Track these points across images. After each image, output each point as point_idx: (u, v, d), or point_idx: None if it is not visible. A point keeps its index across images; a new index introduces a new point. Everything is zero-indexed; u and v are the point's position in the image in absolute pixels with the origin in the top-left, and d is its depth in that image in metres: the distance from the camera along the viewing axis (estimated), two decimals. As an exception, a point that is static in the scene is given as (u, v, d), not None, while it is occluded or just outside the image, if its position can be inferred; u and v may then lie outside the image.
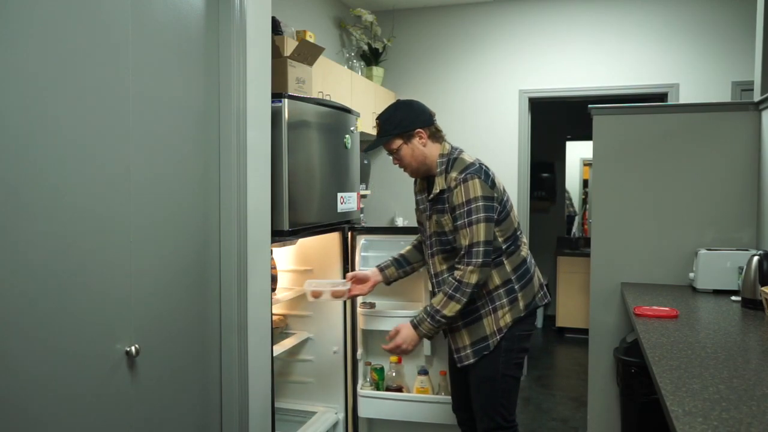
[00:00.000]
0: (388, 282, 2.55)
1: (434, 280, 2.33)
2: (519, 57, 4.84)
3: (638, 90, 4.58)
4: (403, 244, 2.73)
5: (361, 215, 3.71)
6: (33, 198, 1.45)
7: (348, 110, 2.98)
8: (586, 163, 6.94)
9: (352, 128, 2.99)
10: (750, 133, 2.88)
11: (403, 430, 3.02)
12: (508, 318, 2.20)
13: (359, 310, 2.95)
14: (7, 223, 1.38)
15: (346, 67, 4.32)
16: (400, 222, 4.97)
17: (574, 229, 7.00)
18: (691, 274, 2.80)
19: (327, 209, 2.78)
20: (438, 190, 2.22)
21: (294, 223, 2.50)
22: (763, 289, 2.24)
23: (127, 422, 1.74)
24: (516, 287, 2.23)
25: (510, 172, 4.75)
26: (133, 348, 1.73)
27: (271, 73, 2.39)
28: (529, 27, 4.81)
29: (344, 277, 2.89)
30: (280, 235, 2.46)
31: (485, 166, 2.21)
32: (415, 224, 2.55)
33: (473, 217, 2.11)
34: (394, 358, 2.98)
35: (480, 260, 2.10)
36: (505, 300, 2.21)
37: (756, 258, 2.38)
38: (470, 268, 2.10)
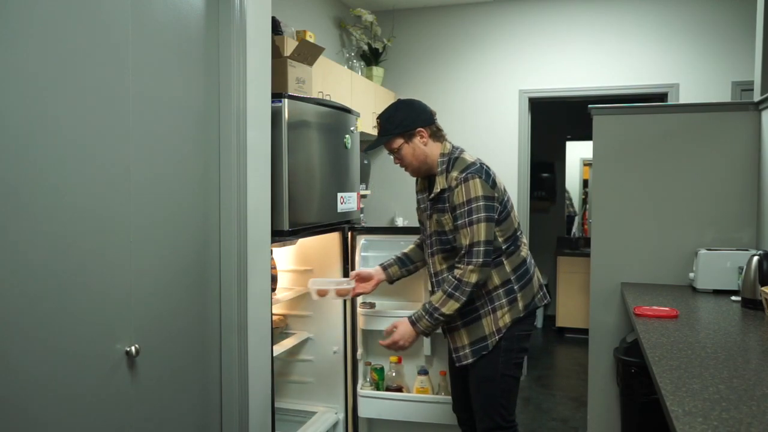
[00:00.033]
0: (391, 281, 2.54)
1: (433, 280, 2.33)
2: (519, 57, 4.84)
3: (638, 90, 4.58)
4: (403, 244, 2.73)
5: (361, 215, 3.71)
6: (33, 198, 1.45)
7: (348, 110, 2.98)
8: (586, 163, 6.94)
9: (352, 128, 2.99)
10: (750, 133, 2.88)
11: (403, 430, 3.02)
12: (507, 318, 2.20)
13: (359, 310, 2.95)
14: (7, 223, 1.38)
15: (346, 67, 4.32)
16: (400, 222, 4.97)
17: (574, 229, 7.00)
18: (691, 274, 2.80)
19: (327, 209, 2.78)
20: (439, 190, 2.22)
21: (294, 223, 2.50)
22: (763, 289, 2.24)
23: (127, 422, 1.74)
24: (515, 288, 2.23)
25: (510, 172, 4.75)
26: (133, 348, 1.73)
27: (271, 73, 2.40)
28: (529, 27, 4.81)
29: (345, 277, 2.90)
30: (280, 235, 2.46)
31: (486, 166, 2.21)
32: (415, 224, 2.55)
33: (474, 216, 2.11)
34: (394, 358, 2.98)
35: (480, 260, 2.10)
36: (504, 300, 2.21)
37: (756, 258, 2.38)
38: (470, 267, 2.10)
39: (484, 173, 2.16)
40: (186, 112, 2.01)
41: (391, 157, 2.33)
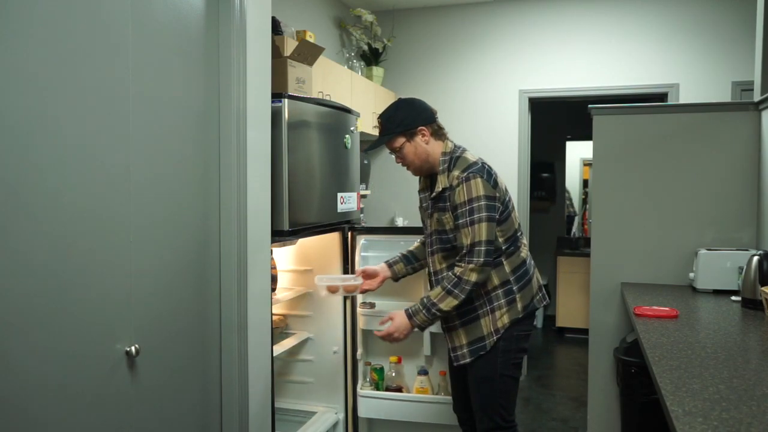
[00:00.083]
0: (396, 278, 2.54)
1: (433, 278, 2.32)
2: (519, 57, 4.84)
3: (638, 90, 4.58)
4: (403, 244, 2.73)
5: (361, 215, 3.71)
6: (33, 198, 1.45)
7: (348, 110, 2.98)
8: (586, 163, 6.94)
9: (352, 128, 2.99)
10: (750, 133, 2.88)
11: (402, 430, 3.02)
12: (505, 319, 2.20)
13: (359, 310, 2.95)
14: (7, 223, 1.38)
15: (346, 67, 4.32)
16: (400, 222, 4.97)
17: (574, 229, 7.00)
18: (691, 274, 2.80)
19: (327, 209, 2.78)
20: (440, 189, 2.22)
21: (294, 223, 2.50)
22: (763, 289, 2.24)
23: (127, 422, 1.74)
24: (514, 288, 2.23)
25: (510, 172, 4.75)
26: (133, 348, 1.73)
27: (271, 73, 2.40)
28: (529, 27, 4.81)
29: (346, 274, 2.90)
30: (280, 235, 2.46)
31: (488, 166, 2.21)
32: (415, 224, 2.55)
33: (475, 216, 2.10)
34: (393, 358, 2.98)
35: (481, 259, 2.10)
36: (503, 301, 2.21)
37: (756, 258, 2.38)
38: (471, 266, 2.10)
39: (486, 173, 2.16)
40: (186, 112, 2.01)
41: (392, 156, 2.33)
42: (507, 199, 2.24)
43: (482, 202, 2.11)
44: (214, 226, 2.17)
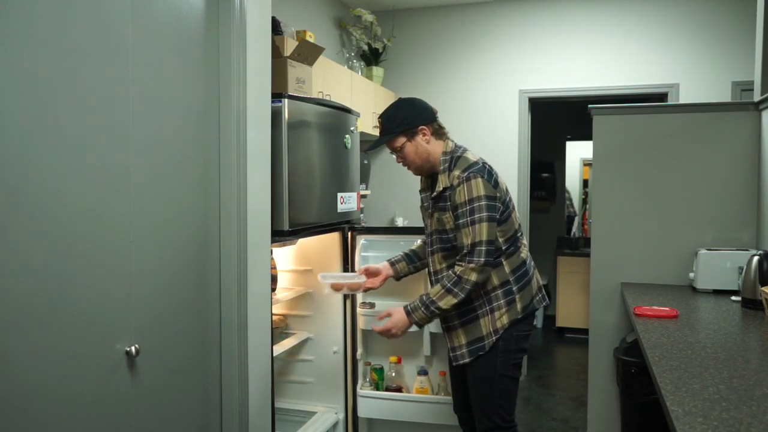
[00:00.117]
0: (398, 277, 2.53)
1: (433, 278, 2.32)
2: (519, 57, 4.84)
3: (638, 90, 4.58)
4: (403, 244, 2.73)
5: (361, 215, 3.71)
6: (33, 198, 1.45)
7: (348, 110, 2.98)
8: (586, 163, 6.94)
9: (352, 128, 2.99)
10: (750, 133, 2.88)
11: (402, 430, 3.02)
12: (505, 319, 2.20)
13: (359, 310, 2.95)
14: (7, 223, 1.38)
15: (346, 67, 4.32)
16: (400, 222, 4.97)
17: (574, 229, 7.00)
18: (691, 274, 2.80)
19: (327, 209, 2.78)
20: (441, 188, 2.22)
21: (294, 223, 2.50)
22: (763, 289, 2.24)
23: (127, 422, 1.74)
24: (514, 289, 2.22)
25: (510, 172, 4.75)
26: (133, 348, 1.73)
27: (271, 73, 2.40)
28: (529, 27, 4.81)
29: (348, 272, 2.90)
30: (280, 235, 2.46)
31: (489, 166, 2.21)
32: (415, 224, 2.55)
33: (476, 216, 2.10)
34: (393, 358, 2.98)
35: (482, 259, 2.10)
36: (502, 301, 2.21)
37: (756, 258, 2.38)
38: (471, 265, 2.09)
39: (487, 173, 2.16)
40: (186, 112, 2.01)
41: (393, 156, 2.33)
42: (507, 199, 2.24)
43: (483, 202, 2.11)
44: (214, 226, 2.17)
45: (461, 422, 2.51)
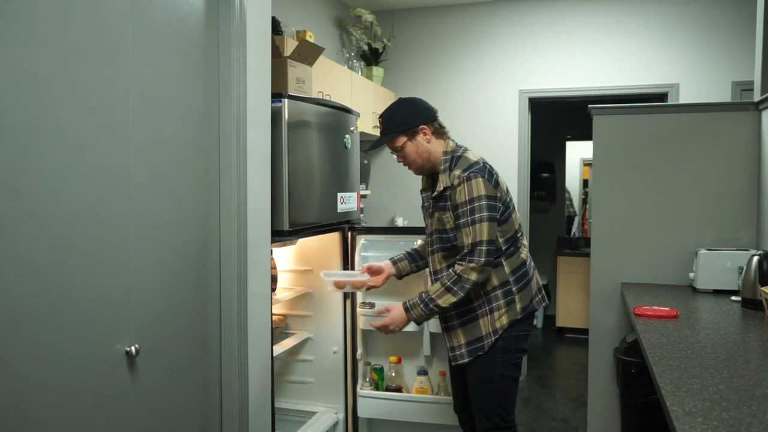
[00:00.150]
0: (400, 276, 2.53)
1: (433, 278, 2.32)
2: (519, 57, 4.84)
3: (638, 90, 4.58)
4: (403, 244, 2.73)
5: (361, 215, 3.71)
6: (33, 198, 1.45)
7: (348, 110, 2.98)
8: (586, 163, 6.94)
9: (352, 128, 2.99)
10: (750, 133, 2.88)
11: (402, 430, 3.02)
12: (504, 320, 2.20)
13: (359, 310, 2.95)
14: (7, 223, 1.38)
15: (346, 67, 4.32)
16: (400, 222, 4.97)
17: (574, 229, 7.00)
18: (691, 274, 2.80)
19: (327, 209, 2.78)
20: (441, 188, 2.22)
21: (294, 223, 2.50)
22: (763, 289, 2.24)
23: (127, 422, 1.74)
24: (513, 289, 2.22)
25: (510, 172, 4.75)
26: (133, 348, 1.73)
27: (271, 73, 2.40)
28: (529, 27, 4.81)
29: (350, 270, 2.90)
30: (280, 235, 2.46)
31: (489, 165, 2.21)
32: (415, 224, 2.55)
33: (476, 216, 2.10)
34: (393, 358, 2.98)
35: (482, 259, 2.09)
36: (502, 302, 2.21)
37: (756, 258, 2.38)
38: (472, 265, 2.09)
39: (487, 173, 2.16)
40: (186, 112, 2.01)
41: (393, 156, 2.33)
42: (508, 199, 2.24)
43: (483, 202, 2.11)
44: (214, 226, 2.17)
45: (461, 422, 2.51)
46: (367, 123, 4.20)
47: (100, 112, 1.64)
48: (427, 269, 2.42)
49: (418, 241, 2.59)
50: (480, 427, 2.26)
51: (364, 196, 4.83)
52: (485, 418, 2.23)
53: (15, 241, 1.40)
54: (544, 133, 6.19)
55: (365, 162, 4.45)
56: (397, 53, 5.06)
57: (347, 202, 2.94)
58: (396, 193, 5.00)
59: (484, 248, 2.09)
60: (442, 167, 2.24)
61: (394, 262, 2.52)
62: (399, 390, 2.96)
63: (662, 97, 4.56)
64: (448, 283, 2.12)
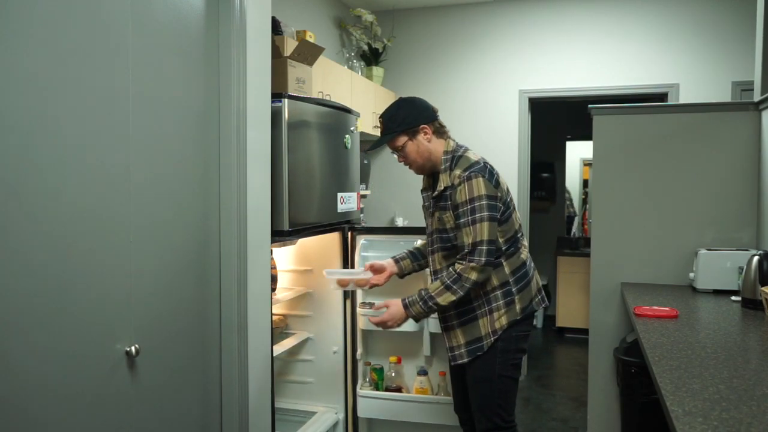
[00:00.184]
0: (402, 275, 2.52)
1: (433, 278, 2.32)
2: (519, 57, 4.84)
3: (638, 90, 4.58)
4: (403, 244, 2.73)
5: (361, 215, 3.71)
6: (33, 198, 1.45)
7: (348, 110, 2.98)
8: (586, 163, 6.94)
9: (352, 128, 2.99)
10: (750, 133, 2.88)
11: (402, 430, 3.02)
12: (503, 320, 2.20)
13: (359, 310, 2.95)
14: (7, 223, 1.38)
15: (346, 67, 4.32)
16: (400, 222, 4.97)
17: (574, 229, 7.00)
18: (691, 274, 2.80)
19: (327, 209, 2.78)
20: (442, 187, 2.22)
21: (294, 223, 2.50)
22: (763, 289, 2.24)
23: (127, 422, 1.74)
24: (513, 290, 2.22)
25: (510, 172, 4.75)
26: (133, 348, 1.73)
27: (271, 73, 2.40)
28: (529, 27, 4.81)
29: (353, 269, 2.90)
30: (280, 235, 2.46)
31: (490, 165, 2.21)
32: (415, 224, 2.55)
33: (477, 215, 2.10)
34: (393, 358, 2.98)
35: (483, 259, 2.09)
36: (501, 302, 2.20)
37: (756, 258, 2.38)
38: (472, 264, 2.09)
39: (488, 172, 2.16)
40: (186, 112, 2.01)
41: (393, 156, 2.33)
42: (508, 199, 2.24)
43: (484, 202, 2.10)
44: (214, 226, 2.17)
45: (462, 422, 2.51)
46: (367, 123, 4.20)
47: (100, 112, 1.64)
48: (428, 269, 2.42)
49: (419, 241, 2.59)
50: (480, 428, 2.26)
51: (364, 196, 4.83)
52: (485, 419, 2.23)
53: (15, 241, 1.40)
54: (544, 133, 6.19)
55: (365, 162, 4.45)
56: (397, 53, 5.06)
57: (347, 202, 2.94)
58: (396, 193, 5.00)
59: (484, 248, 2.09)
60: (443, 167, 2.24)
61: (396, 260, 2.51)
62: (399, 390, 2.96)
63: (662, 97, 4.56)
64: (448, 282, 2.12)
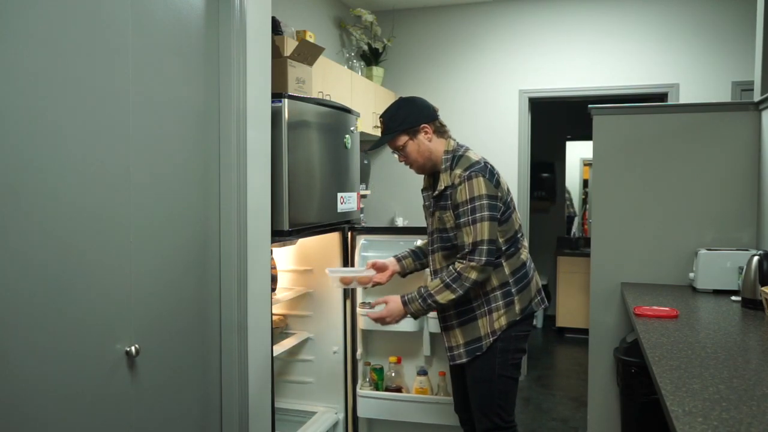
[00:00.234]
0: (404, 273, 2.52)
1: (433, 277, 2.32)
2: (519, 57, 4.84)
3: (638, 90, 4.58)
4: (403, 245, 2.73)
5: (361, 215, 3.71)
6: (33, 198, 1.45)
7: (348, 110, 2.98)
8: (586, 163, 6.94)
9: (352, 128, 2.99)
10: (750, 133, 2.88)
11: (402, 431, 3.02)
12: (503, 321, 2.20)
13: (359, 310, 2.95)
14: (7, 223, 1.38)
15: (346, 67, 4.32)
16: (400, 222, 4.97)
17: (574, 229, 7.00)
18: (691, 274, 2.80)
19: (327, 209, 2.78)
20: (442, 187, 2.21)
21: (294, 223, 2.50)
22: (763, 289, 2.24)
23: (127, 422, 1.74)
24: (513, 290, 2.22)
25: (510, 172, 4.75)
26: (133, 348, 1.73)
27: (271, 73, 2.40)
28: (529, 27, 4.81)
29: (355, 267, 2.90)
30: (280, 235, 2.46)
31: (490, 165, 2.21)
32: (415, 223, 2.55)
33: (477, 215, 2.10)
34: (393, 359, 2.98)
35: (483, 258, 2.09)
36: (501, 302, 2.20)
37: (756, 258, 2.38)
38: (473, 264, 2.09)
39: (488, 172, 2.16)
40: (186, 112, 2.01)
41: (393, 156, 2.32)
42: (509, 199, 2.24)
43: (484, 201, 2.10)
44: (214, 226, 2.17)
45: (462, 422, 2.51)
46: (367, 123, 4.20)
47: (100, 112, 1.64)
48: (428, 269, 2.41)
49: (419, 241, 2.59)
50: (480, 427, 2.26)
51: (364, 196, 4.83)
52: (485, 419, 2.23)
53: (15, 241, 1.40)
54: (544, 133, 6.19)
55: (365, 162, 4.45)
56: (397, 53, 5.06)
57: (347, 202, 2.94)
58: (396, 193, 5.00)
59: (485, 248, 2.09)
60: (444, 166, 2.23)
61: (399, 259, 2.51)
62: (399, 390, 2.96)
63: (662, 97, 4.57)
64: (448, 280, 2.12)
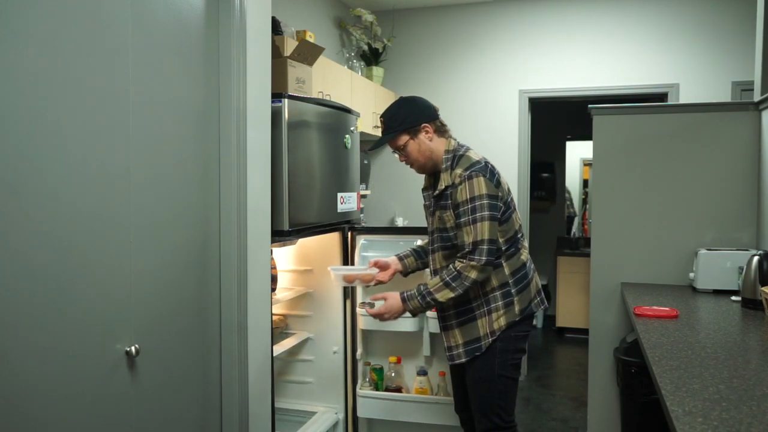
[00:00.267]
0: (406, 272, 2.52)
1: (433, 277, 2.32)
2: (519, 57, 4.84)
3: (638, 90, 4.58)
4: (403, 245, 2.73)
5: (361, 215, 3.71)
6: (33, 198, 1.45)
7: (348, 110, 2.98)
8: (586, 163, 6.94)
9: (352, 128, 2.99)
10: (750, 133, 2.88)
11: (402, 431, 3.02)
12: (502, 321, 2.20)
13: (359, 310, 2.95)
14: (7, 223, 1.38)
15: (346, 67, 4.32)
16: (400, 222, 4.97)
17: (574, 229, 7.00)
18: (691, 274, 2.80)
19: (327, 209, 2.78)
20: (443, 186, 2.21)
21: (294, 223, 2.50)
22: (763, 289, 2.24)
23: (127, 422, 1.74)
24: (513, 291, 2.22)
25: (510, 172, 4.75)
26: (133, 348, 1.73)
27: (271, 73, 2.40)
28: (529, 27, 4.81)
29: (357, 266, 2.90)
30: (280, 235, 2.46)
31: (491, 165, 2.21)
32: (415, 223, 2.55)
33: (477, 214, 2.10)
34: (393, 359, 2.98)
35: (483, 258, 2.09)
36: (500, 303, 2.20)
37: (756, 258, 2.38)
38: (473, 263, 2.09)
39: (489, 172, 2.16)
40: (186, 112, 2.01)
41: (393, 156, 2.32)
42: (509, 199, 2.24)
43: (485, 201, 2.10)
44: (214, 226, 2.17)
45: (462, 422, 2.51)
46: (367, 123, 4.20)
47: (100, 112, 1.64)
48: (428, 268, 2.41)
49: (418, 241, 2.59)
50: (480, 428, 2.26)
51: (364, 196, 4.83)
52: (485, 419, 2.23)
53: (15, 241, 1.40)
54: (544, 133, 6.19)
55: (365, 162, 4.45)
56: (397, 53, 5.06)
57: (347, 202, 2.94)
58: (396, 193, 5.00)
59: (485, 247, 2.09)
60: (444, 166, 2.23)
61: (401, 258, 2.51)
62: (399, 390, 2.96)
63: (662, 97, 4.56)
64: (447, 279, 2.12)
